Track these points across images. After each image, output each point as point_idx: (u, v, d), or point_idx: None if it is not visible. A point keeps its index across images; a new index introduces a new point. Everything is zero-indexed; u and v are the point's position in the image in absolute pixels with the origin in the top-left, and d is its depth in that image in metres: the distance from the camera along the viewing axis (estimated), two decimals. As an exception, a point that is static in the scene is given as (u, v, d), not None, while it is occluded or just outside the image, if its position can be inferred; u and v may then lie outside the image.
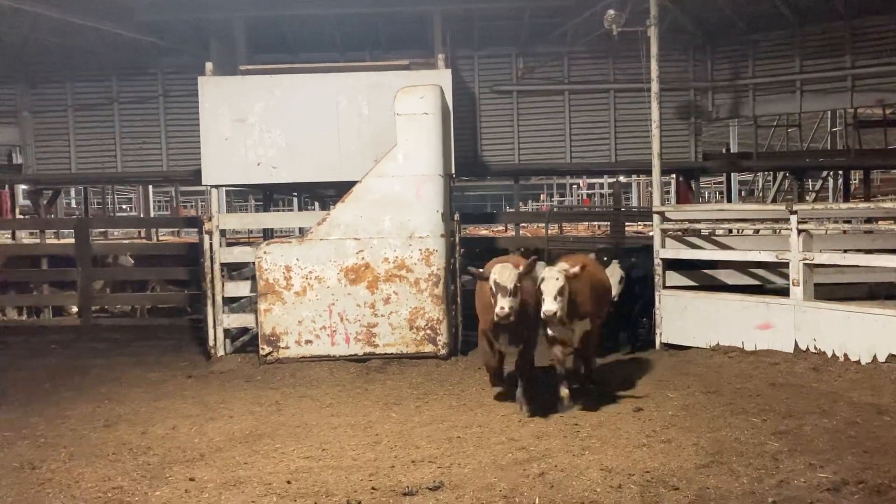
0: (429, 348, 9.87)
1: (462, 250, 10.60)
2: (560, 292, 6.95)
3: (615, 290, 8.96)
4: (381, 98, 10.09)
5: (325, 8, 13.04)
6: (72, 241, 13.26)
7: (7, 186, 18.29)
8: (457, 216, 10.58)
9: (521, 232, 16.99)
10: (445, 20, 13.19)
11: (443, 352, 9.85)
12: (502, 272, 6.90)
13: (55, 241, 17.19)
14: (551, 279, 6.96)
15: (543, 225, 15.29)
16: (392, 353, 9.83)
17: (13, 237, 18.53)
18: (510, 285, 6.87)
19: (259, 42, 13.89)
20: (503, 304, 6.79)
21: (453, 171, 10.88)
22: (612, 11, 10.86)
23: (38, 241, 16.18)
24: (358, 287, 9.86)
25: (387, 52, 14.41)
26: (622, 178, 27.63)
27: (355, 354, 9.82)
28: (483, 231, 23.25)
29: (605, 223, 19.94)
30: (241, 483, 5.63)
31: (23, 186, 19.48)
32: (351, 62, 12.41)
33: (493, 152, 15.05)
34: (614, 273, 9.51)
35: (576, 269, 7.17)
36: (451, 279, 10.17)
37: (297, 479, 5.68)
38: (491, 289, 6.94)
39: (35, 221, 16.76)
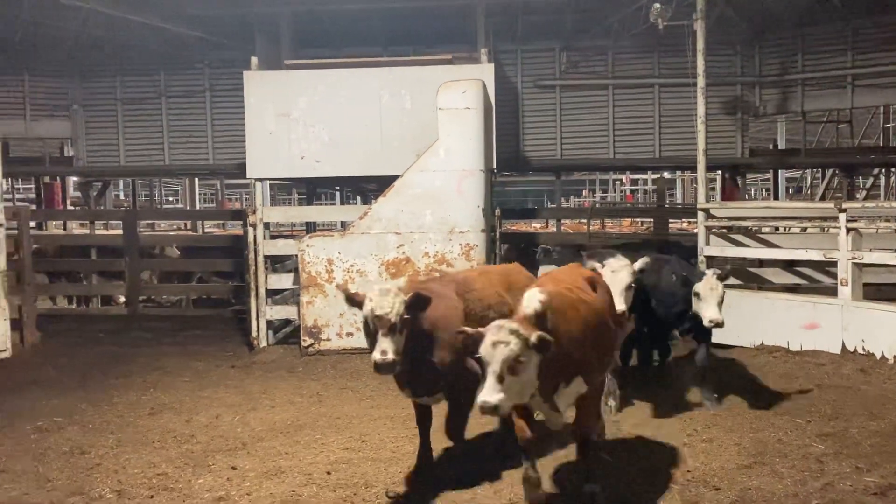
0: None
1: (504, 246, 10.58)
2: (511, 367, 4.12)
3: (620, 302, 6.25)
4: (423, 92, 10.11)
5: (369, 3, 13.11)
6: (120, 232, 13.54)
7: (59, 178, 18.80)
8: (497, 211, 10.57)
9: (562, 228, 16.91)
10: (489, 15, 13.16)
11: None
12: (382, 299, 4.81)
13: (104, 232, 17.57)
14: (499, 345, 4.11)
15: (585, 221, 15.18)
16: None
17: (64, 227, 19.04)
18: (394, 317, 4.80)
19: (304, 37, 14.02)
20: (384, 348, 4.76)
21: (495, 167, 10.86)
22: (657, 5, 10.73)
23: (87, 231, 16.58)
24: (398, 281, 9.89)
25: (430, 46, 14.42)
26: (666, 175, 27.28)
27: (396, 347, 9.83)
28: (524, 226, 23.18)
29: (649, 220, 19.70)
30: (281, 472, 5.71)
31: (74, 178, 20.00)
32: (394, 57, 12.46)
33: (535, 147, 14.98)
34: (617, 279, 6.58)
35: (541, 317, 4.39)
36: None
37: (336, 469, 5.74)
38: (366, 323, 4.92)
39: (85, 212, 17.18)
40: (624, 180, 33.91)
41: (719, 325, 6.71)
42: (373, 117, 10.35)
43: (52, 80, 15.50)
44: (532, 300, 4.39)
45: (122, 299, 13.79)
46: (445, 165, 9.78)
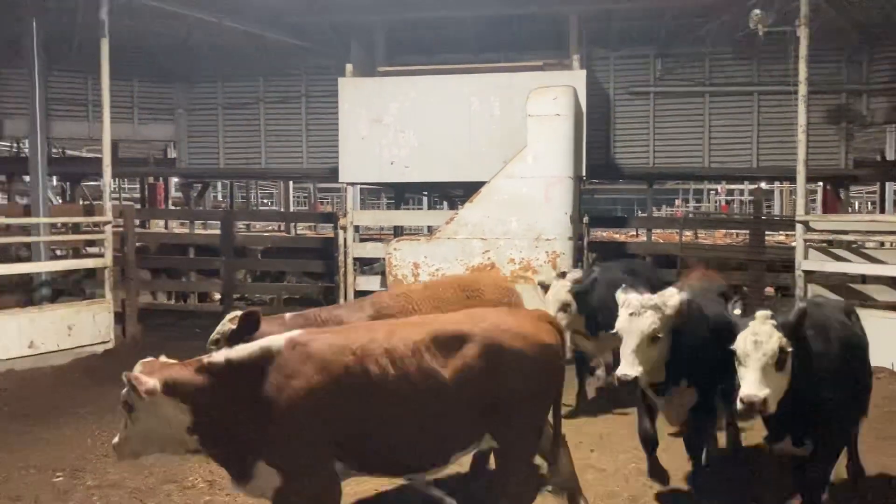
0: (552, 351, 9.76)
1: (592, 254, 10.45)
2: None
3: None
4: (513, 99, 10.11)
5: (461, 10, 13.20)
6: (218, 231, 14.04)
7: (162, 179, 19.70)
8: (586, 219, 10.45)
9: (653, 238, 16.56)
10: (582, 20, 13.03)
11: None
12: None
13: (202, 232, 18.28)
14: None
15: (677, 231, 14.82)
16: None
17: (166, 226, 19.92)
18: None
19: (397, 44, 14.23)
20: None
21: (584, 174, 10.74)
22: (758, 11, 10.38)
23: (187, 230, 17.29)
24: (484, 287, 9.90)
25: (522, 52, 14.39)
26: (764, 185, 26.30)
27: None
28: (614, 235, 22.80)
29: (745, 232, 19.08)
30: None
31: (175, 179, 20.91)
32: (485, 63, 12.51)
33: (626, 155, 14.73)
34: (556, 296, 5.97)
35: None
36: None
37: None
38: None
39: (185, 212, 17.94)
40: (719, 190, 32.91)
41: (758, 408, 4.09)
42: (462, 123, 10.42)
43: (158, 85, 16.24)
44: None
45: (218, 296, 14.29)
46: (533, 172, 9.74)
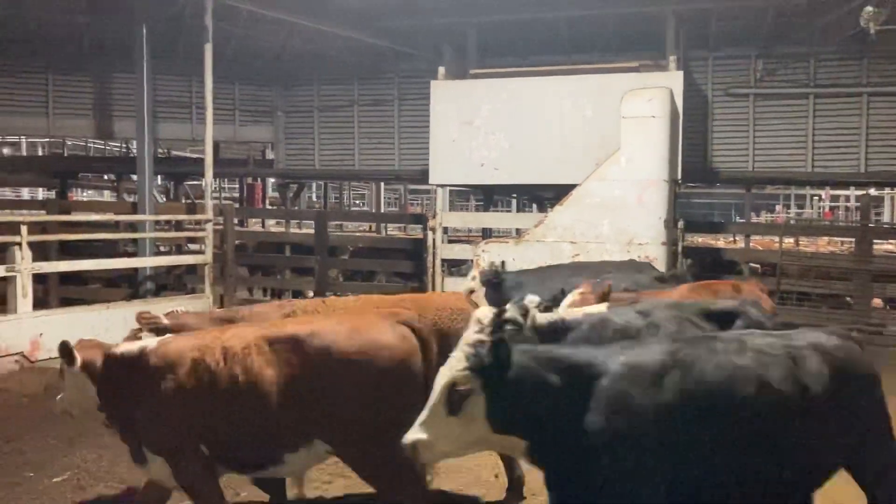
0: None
1: (687, 260, 10.18)
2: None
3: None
4: (606, 101, 9.96)
5: (554, 11, 13.09)
6: (312, 231, 14.38)
7: (260, 179, 20.35)
8: (681, 224, 10.18)
9: (751, 244, 15.97)
10: (679, 20, 12.71)
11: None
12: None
13: (297, 231, 18.76)
14: None
15: (777, 238, 14.24)
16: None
17: (262, 225, 20.56)
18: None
19: (489, 46, 14.25)
20: None
21: (679, 177, 10.48)
22: (869, 8, 9.90)
23: (283, 229, 17.78)
24: (572, 291, 9.78)
25: (616, 54, 14.15)
26: (872, 191, 24.99)
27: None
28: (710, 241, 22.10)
29: (850, 240, 18.19)
30: (451, 472, 5.79)
31: (272, 180, 21.55)
32: (578, 65, 12.37)
33: (724, 158, 14.27)
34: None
35: None
36: (671, 289, 9.77)
37: (502, 474, 5.76)
38: None
39: (281, 212, 18.46)
40: (823, 196, 31.50)
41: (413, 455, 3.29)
42: (553, 125, 10.33)
43: (258, 89, 16.77)
44: None
45: (311, 294, 14.62)
46: (626, 175, 9.56)
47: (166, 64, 14.40)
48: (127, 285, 13.07)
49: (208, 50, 11.39)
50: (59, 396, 4.39)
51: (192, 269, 12.65)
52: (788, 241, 16.84)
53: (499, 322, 3.55)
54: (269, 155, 18.16)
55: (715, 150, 14.25)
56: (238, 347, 3.98)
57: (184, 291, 12.57)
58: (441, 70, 11.13)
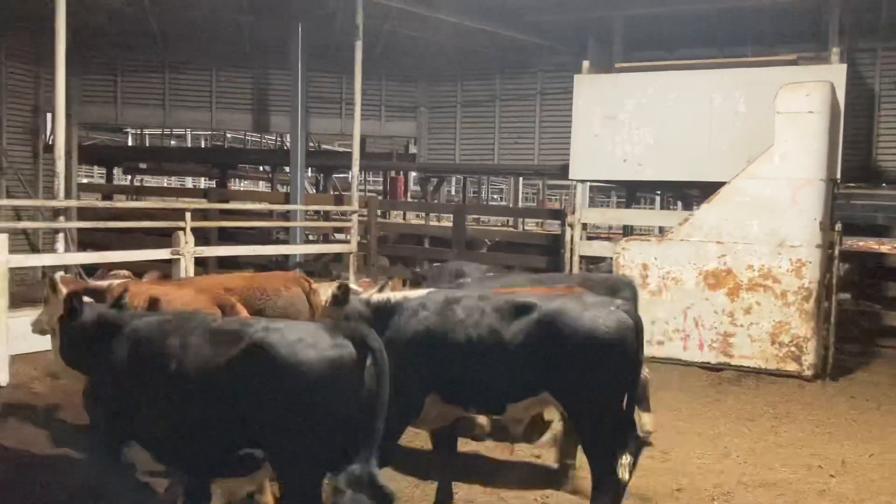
0: (791, 367, 9.10)
1: (844, 265, 9.57)
2: None
3: None
4: (760, 95, 9.51)
5: (707, 3, 12.63)
6: (450, 224, 14.62)
7: (402, 173, 20.89)
8: (838, 226, 9.56)
9: (917, 250, 14.77)
10: (844, 11, 11.92)
11: (808, 373, 9.01)
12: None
13: (436, 224, 19.13)
14: None
15: (949, 244, 13.12)
16: (748, 367, 9.25)
17: (403, 217, 21.12)
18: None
19: (635, 39, 13.92)
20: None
21: (838, 177, 9.85)
22: None
23: (423, 222, 18.19)
24: (717, 293, 9.44)
25: (772, 46, 13.43)
26: None
27: (708, 362, 9.43)
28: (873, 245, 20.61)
29: None
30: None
31: (414, 173, 22.07)
32: (731, 58, 11.86)
33: (891, 157, 13.25)
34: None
35: None
36: (826, 295, 9.22)
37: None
38: None
39: (421, 205, 18.90)
40: None
41: None
42: (701, 121, 9.99)
43: (403, 84, 17.20)
44: None
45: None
46: (780, 173, 9.10)
47: (319, 62, 15.02)
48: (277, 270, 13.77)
49: (358, 48, 11.81)
50: (38, 317, 5.43)
51: (339, 258, 13.20)
52: (963, 248, 15.42)
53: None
54: (412, 149, 18.59)
55: (880, 148, 13.26)
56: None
57: (329, 278, 13.12)
58: (585, 64, 10.99)
